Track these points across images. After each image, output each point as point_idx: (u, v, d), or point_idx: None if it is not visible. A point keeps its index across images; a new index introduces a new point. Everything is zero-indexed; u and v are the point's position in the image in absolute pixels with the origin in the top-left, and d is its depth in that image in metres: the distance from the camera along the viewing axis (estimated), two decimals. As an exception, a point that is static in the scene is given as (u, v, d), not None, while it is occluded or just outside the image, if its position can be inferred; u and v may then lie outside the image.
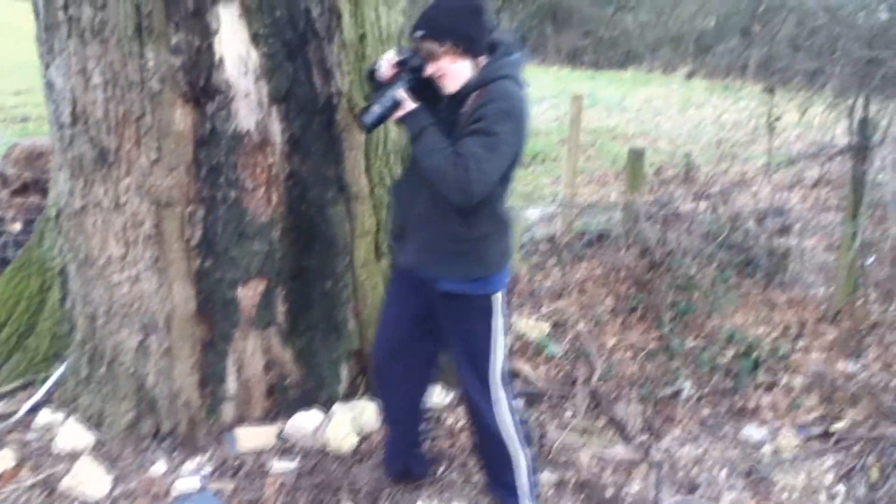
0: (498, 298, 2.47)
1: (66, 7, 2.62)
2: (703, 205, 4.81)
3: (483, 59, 2.32)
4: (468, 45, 2.27)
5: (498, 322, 2.49)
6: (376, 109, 2.32)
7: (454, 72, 2.30)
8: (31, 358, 3.48)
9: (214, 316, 3.00)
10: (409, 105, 2.30)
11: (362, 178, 3.19)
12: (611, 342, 4.08)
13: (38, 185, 4.89)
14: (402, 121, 2.33)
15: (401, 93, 2.30)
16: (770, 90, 4.83)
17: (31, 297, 3.65)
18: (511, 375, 2.74)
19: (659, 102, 15.18)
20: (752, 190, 5.16)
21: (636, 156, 5.30)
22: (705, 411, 3.56)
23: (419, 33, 2.28)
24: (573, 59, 20.55)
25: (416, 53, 2.35)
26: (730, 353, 3.94)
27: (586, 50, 20.66)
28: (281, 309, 3.13)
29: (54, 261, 3.51)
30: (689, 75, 18.68)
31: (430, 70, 2.31)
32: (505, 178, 2.33)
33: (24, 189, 4.94)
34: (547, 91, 15.37)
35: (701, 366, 3.84)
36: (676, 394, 3.63)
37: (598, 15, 20.02)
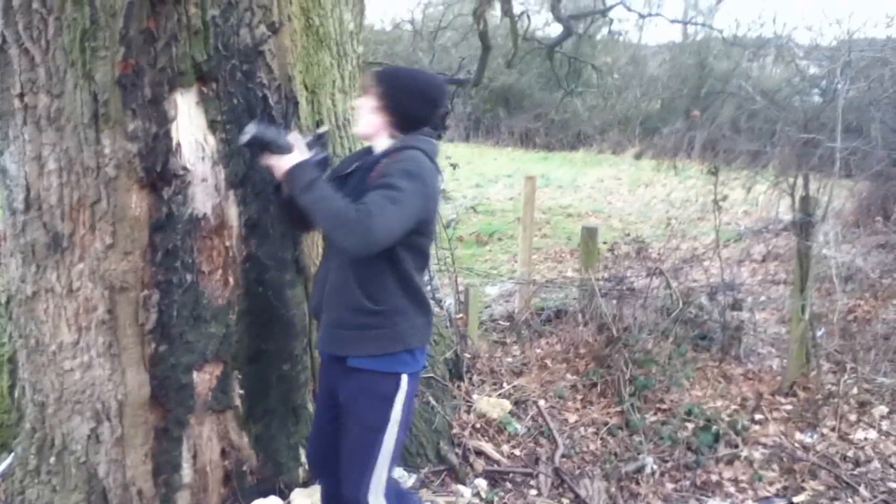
0: (403, 382, 2.35)
1: (21, 95, 2.63)
2: (656, 281, 4.90)
3: (400, 135, 2.36)
4: (398, 117, 2.34)
5: (396, 411, 2.35)
6: (253, 129, 2.31)
7: (368, 116, 2.38)
8: (-25, 450, 3.34)
9: (169, 402, 2.92)
10: (298, 156, 2.26)
11: (320, 260, 3.20)
12: (573, 418, 4.07)
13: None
14: (290, 174, 2.24)
15: (295, 136, 2.35)
16: (713, 171, 5.01)
17: (-24, 387, 3.54)
18: (399, 494, 2.61)
19: (610, 182, 15.61)
20: (703, 265, 5.29)
21: (589, 234, 5.42)
22: (669, 486, 3.55)
23: (376, 70, 2.42)
24: (526, 140, 21.14)
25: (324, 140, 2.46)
26: (690, 426, 3.96)
27: (538, 132, 21.28)
28: (238, 393, 3.07)
29: (3, 348, 3.42)
30: (638, 156, 19.30)
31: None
32: (417, 251, 2.32)
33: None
34: (501, 171, 15.74)
35: (662, 440, 3.84)
36: (639, 469, 3.62)
37: (547, 99, 20.67)
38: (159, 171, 2.66)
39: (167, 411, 2.92)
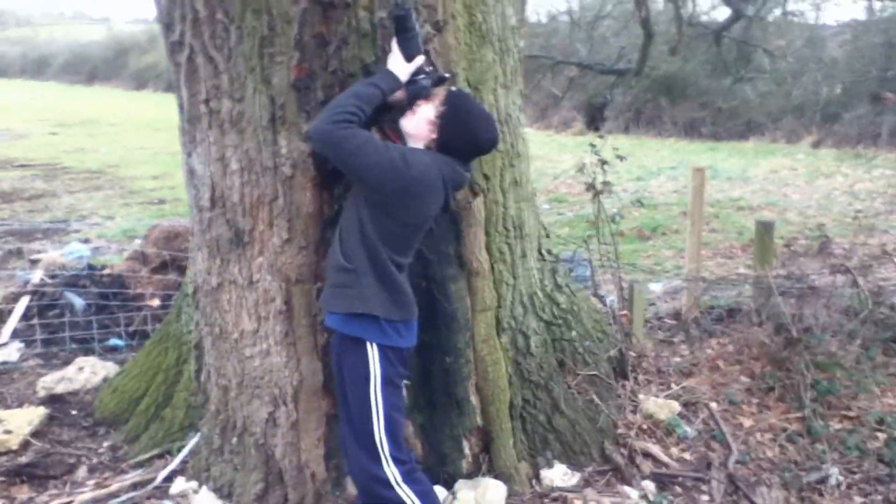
0: (373, 349, 2.49)
1: (207, 101, 2.83)
2: (840, 279, 4.52)
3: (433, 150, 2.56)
4: (442, 142, 2.55)
5: (375, 377, 2.48)
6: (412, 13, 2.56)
7: (419, 121, 2.56)
8: (167, 428, 3.63)
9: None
10: (401, 68, 2.55)
11: (482, 254, 3.21)
12: (747, 423, 3.84)
13: (175, 264, 5.22)
14: (384, 71, 2.57)
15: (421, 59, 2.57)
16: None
17: (168, 370, 3.85)
18: (407, 451, 2.66)
19: (785, 173, 14.64)
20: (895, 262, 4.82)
21: (765, 228, 5.09)
22: (857, 500, 3.27)
23: (451, 91, 2.60)
24: (690, 130, 20.22)
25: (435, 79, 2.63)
26: (882, 437, 3.62)
27: (704, 121, 20.30)
28: (403, 383, 3.14)
29: (190, 335, 3.70)
30: (816, 144, 17.98)
31: (415, 105, 2.57)
32: (387, 233, 2.49)
33: (162, 267, 5.28)
34: (664, 163, 15.17)
35: (849, 450, 3.55)
36: (823, 480, 3.36)
37: (714, 86, 19.69)
38: (331, 170, 2.77)
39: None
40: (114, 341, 4.83)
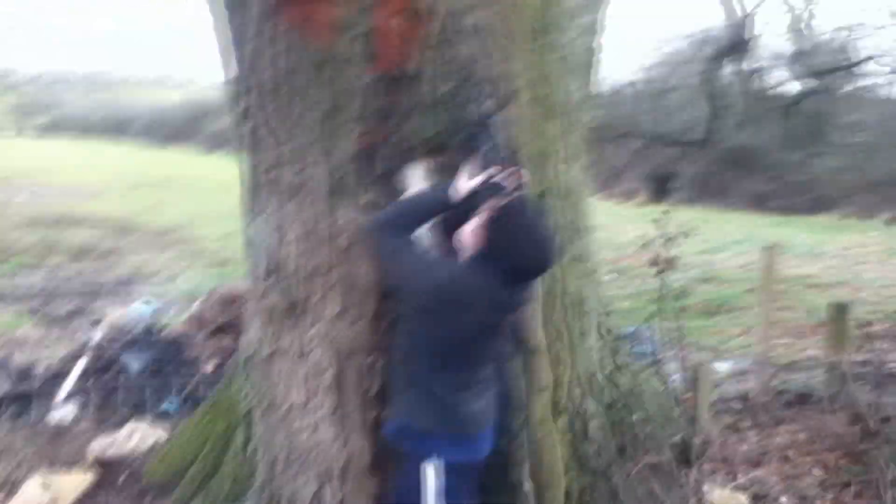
0: (430, 472, 2.39)
1: (268, 171, 2.84)
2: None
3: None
4: (490, 245, 2.32)
5: (428, 495, 2.39)
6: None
7: (468, 229, 2.37)
8: (213, 499, 3.56)
9: (389, 469, 2.93)
10: (463, 183, 2.41)
11: (540, 332, 3.10)
12: (822, 521, 3.58)
13: (231, 328, 5.24)
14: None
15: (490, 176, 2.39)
16: None
17: (217, 439, 3.81)
18: None
19: (857, 250, 14.12)
20: None
21: (839, 310, 4.85)
22: None
23: (506, 203, 2.34)
24: (758, 203, 19.79)
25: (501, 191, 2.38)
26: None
27: (772, 195, 19.88)
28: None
29: (241, 404, 3.65)
30: (890, 222, 17.37)
31: (478, 213, 2.36)
32: (430, 344, 2.39)
33: (218, 331, 5.31)
34: (731, 237, 14.81)
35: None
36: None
37: (785, 159, 19.32)
38: (388, 242, 2.73)
39: (387, 479, 2.93)
40: (166, 406, 4.84)
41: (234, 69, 2.90)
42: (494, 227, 2.31)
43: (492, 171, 2.41)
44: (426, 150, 2.72)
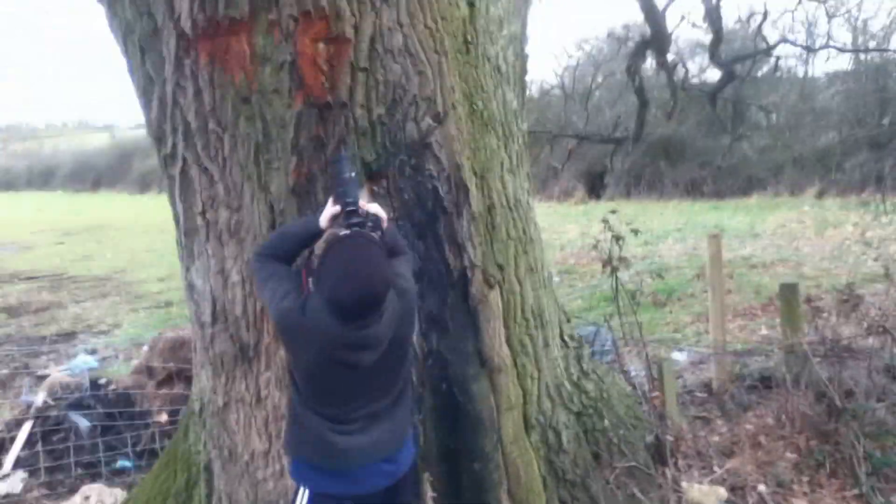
0: (301, 496, 2.37)
1: (203, 212, 2.70)
2: (876, 339, 4.30)
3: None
4: (316, 272, 2.20)
5: None
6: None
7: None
8: (178, 560, 3.38)
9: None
10: (326, 212, 2.34)
11: (503, 349, 3.03)
12: (801, 505, 3.57)
13: (181, 375, 5.02)
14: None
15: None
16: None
17: (177, 494, 3.60)
18: None
19: (793, 226, 14.51)
20: (932, 316, 4.60)
21: (789, 291, 4.89)
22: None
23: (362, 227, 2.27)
24: (692, 191, 20.22)
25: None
26: (950, 512, 3.34)
27: (705, 181, 20.33)
28: (430, 495, 2.91)
29: (199, 455, 3.47)
30: (820, 195, 17.91)
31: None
32: (299, 378, 2.31)
33: (168, 380, 5.08)
34: (670, 225, 15.06)
35: (917, 530, 3.26)
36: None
37: (711, 146, 19.80)
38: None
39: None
40: (122, 463, 4.60)
41: (154, 109, 2.75)
42: (321, 259, 2.21)
43: (348, 202, 2.30)
44: (366, 176, 2.61)
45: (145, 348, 6.62)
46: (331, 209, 2.34)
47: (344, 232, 2.22)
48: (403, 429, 2.48)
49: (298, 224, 2.46)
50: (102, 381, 5.80)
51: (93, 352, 8.14)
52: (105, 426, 4.83)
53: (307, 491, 2.38)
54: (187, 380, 4.92)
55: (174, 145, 2.72)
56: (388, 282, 2.19)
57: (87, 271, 14.30)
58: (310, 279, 2.27)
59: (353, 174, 2.39)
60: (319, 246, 2.29)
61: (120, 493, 4.12)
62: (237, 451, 2.93)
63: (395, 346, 2.28)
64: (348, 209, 2.29)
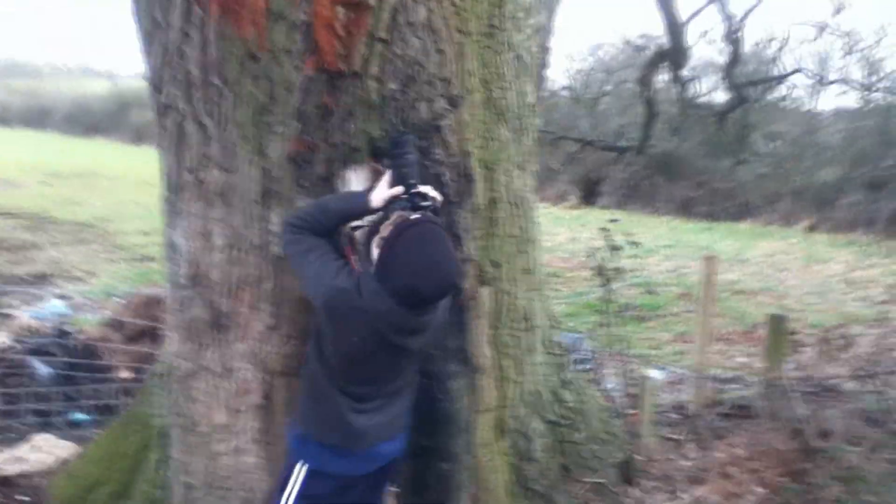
0: (299, 471, 2.33)
1: (194, 170, 2.57)
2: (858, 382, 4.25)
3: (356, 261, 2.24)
4: (381, 260, 2.11)
5: (290, 493, 2.32)
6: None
7: (374, 244, 2.17)
8: (123, 523, 3.27)
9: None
10: (380, 192, 2.26)
11: (487, 349, 2.92)
12: (764, 543, 3.50)
13: (151, 334, 4.89)
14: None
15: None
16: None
17: (129, 456, 3.50)
18: None
19: (780, 257, 14.52)
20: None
21: (778, 322, 4.82)
22: None
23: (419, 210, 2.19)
24: (685, 209, 20.20)
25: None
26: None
27: (699, 201, 20.32)
28: (391, 490, 2.81)
29: (158, 420, 3.37)
30: (811, 229, 17.94)
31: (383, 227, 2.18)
32: (325, 357, 2.25)
33: (138, 337, 4.95)
34: (660, 241, 15.02)
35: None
36: None
37: (711, 166, 19.76)
38: (327, 252, 2.50)
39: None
40: (78, 416, 4.47)
41: (156, 56, 2.61)
42: (391, 244, 2.10)
43: (398, 190, 2.24)
44: (370, 152, 2.49)
45: (118, 301, 6.48)
46: (390, 190, 2.25)
47: (414, 216, 2.13)
48: (408, 408, 2.48)
49: (340, 199, 2.33)
50: (70, 329, 5.67)
51: (64, 298, 7.96)
52: (66, 376, 4.69)
53: (305, 466, 2.33)
54: (156, 339, 4.79)
55: (172, 95, 2.58)
56: (462, 272, 2.21)
57: (70, 216, 14.04)
58: (354, 258, 2.24)
59: (416, 157, 2.34)
60: (386, 228, 2.12)
61: (72, 447, 3.99)
62: (197, 422, 2.82)
63: (436, 329, 2.31)
64: (413, 191, 2.22)
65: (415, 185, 2.25)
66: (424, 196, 2.23)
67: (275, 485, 2.44)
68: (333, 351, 2.24)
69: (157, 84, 2.64)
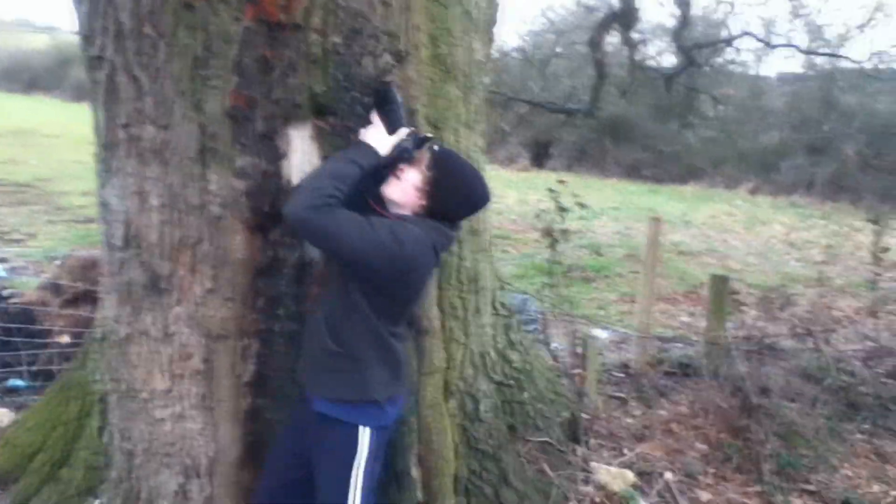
0: (365, 434, 2.29)
1: (127, 126, 2.44)
2: (798, 340, 4.36)
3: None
4: (432, 209, 2.29)
5: (360, 462, 2.29)
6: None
7: (405, 188, 2.29)
8: (63, 490, 3.19)
9: (263, 462, 2.66)
10: (380, 141, 2.28)
11: (433, 310, 2.90)
12: (705, 496, 3.60)
13: (90, 297, 4.73)
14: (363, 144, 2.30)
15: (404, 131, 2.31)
16: (874, 220, 4.43)
17: (69, 423, 3.41)
18: None
19: (723, 219, 14.83)
20: (856, 326, 4.69)
21: (720, 282, 4.91)
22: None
23: (435, 151, 2.32)
24: (632, 172, 20.43)
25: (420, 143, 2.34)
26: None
27: (646, 164, 20.56)
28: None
29: (97, 385, 3.27)
30: (753, 192, 18.34)
31: (398, 172, 2.29)
32: (383, 313, 2.26)
33: (75, 300, 4.78)
34: (607, 203, 15.19)
35: (812, 532, 3.33)
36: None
37: (658, 130, 19.97)
38: (267, 212, 2.42)
39: (260, 472, 2.67)
40: (14, 382, 4.33)
41: (86, 3, 2.47)
42: (437, 179, 2.27)
43: (403, 132, 2.33)
44: (313, 110, 2.41)
45: (56, 263, 6.26)
46: (392, 136, 2.30)
47: (434, 147, 2.34)
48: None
49: (347, 162, 2.23)
50: (5, 292, 5.47)
51: (3, 261, 7.68)
52: (3, 341, 4.53)
53: (367, 429, 2.31)
54: (96, 302, 4.64)
55: (103, 47, 2.44)
56: None
57: (7, 176, 13.49)
58: (388, 208, 2.33)
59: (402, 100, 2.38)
60: (425, 164, 2.28)
61: (8, 413, 3.87)
62: (136, 387, 2.72)
63: None
64: (412, 130, 2.36)
65: (409, 126, 2.37)
66: (418, 134, 2.37)
67: (328, 462, 2.33)
68: (396, 301, 2.31)
69: (87, 35, 2.50)
